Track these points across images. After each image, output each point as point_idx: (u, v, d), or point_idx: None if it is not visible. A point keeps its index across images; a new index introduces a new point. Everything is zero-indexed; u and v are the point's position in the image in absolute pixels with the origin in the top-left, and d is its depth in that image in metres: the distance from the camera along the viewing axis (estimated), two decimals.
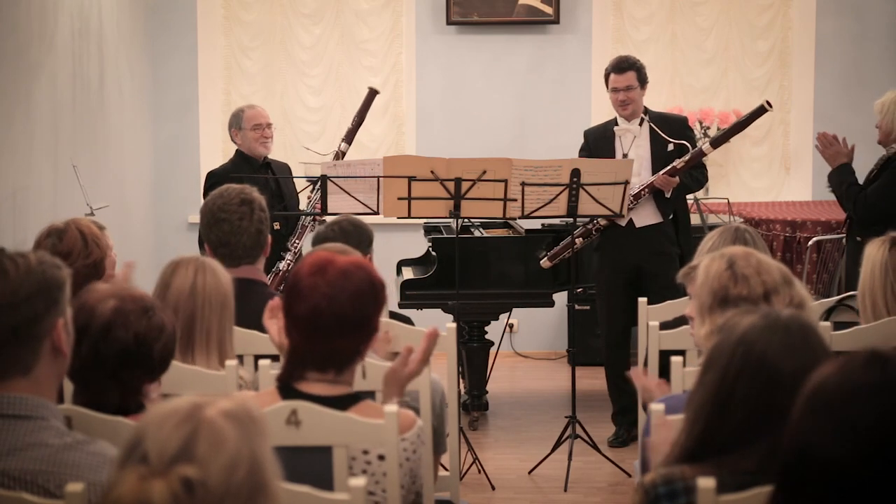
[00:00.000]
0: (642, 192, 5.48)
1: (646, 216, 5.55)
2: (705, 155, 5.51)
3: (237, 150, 5.85)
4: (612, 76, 5.62)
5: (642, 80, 5.65)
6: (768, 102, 5.37)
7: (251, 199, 3.62)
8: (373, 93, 5.91)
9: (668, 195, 5.51)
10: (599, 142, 5.68)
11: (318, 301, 2.38)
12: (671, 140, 5.53)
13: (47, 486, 1.97)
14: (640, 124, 5.62)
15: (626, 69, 5.60)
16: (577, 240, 5.53)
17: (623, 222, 5.53)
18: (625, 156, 5.55)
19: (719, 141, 5.56)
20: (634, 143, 5.59)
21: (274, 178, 5.78)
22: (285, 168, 6.04)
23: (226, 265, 3.57)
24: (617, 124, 5.66)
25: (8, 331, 2.02)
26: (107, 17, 6.56)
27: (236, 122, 5.83)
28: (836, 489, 1.55)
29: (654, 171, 5.53)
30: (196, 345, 2.98)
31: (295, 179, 5.98)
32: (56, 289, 2.06)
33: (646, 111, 5.67)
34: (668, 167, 5.46)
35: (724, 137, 5.59)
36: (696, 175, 5.59)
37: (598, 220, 5.54)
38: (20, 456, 1.99)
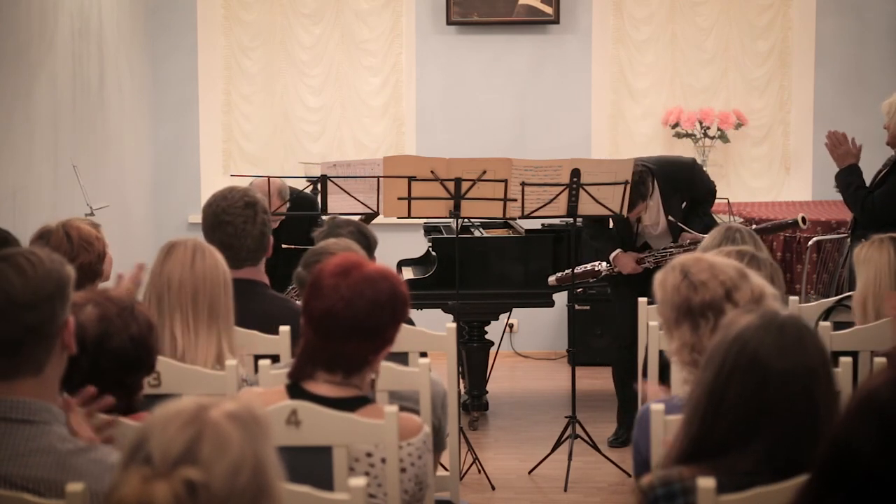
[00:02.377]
0: (662, 257, 5.31)
1: (661, 241, 5.52)
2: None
3: None
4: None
5: (644, 196, 5.35)
6: (803, 219, 5.28)
7: (255, 202, 3.63)
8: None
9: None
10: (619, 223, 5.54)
11: (335, 303, 2.37)
12: (683, 228, 5.36)
13: (48, 496, 1.96)
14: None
15: (631, 206, 5.25)
16: (591, 279, 5.52)
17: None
18: (639, 218, 5.47)
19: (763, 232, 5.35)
20: (648, 207, 5.44)
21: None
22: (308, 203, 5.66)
23: (229, 267, 3.60)
24: None
25: (28, 330, 2.02)
26: (107, 17, 6.56)
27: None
28: (868, 492, 1.56)
29: (667, 212, 5.42)
30: (200, 330, 2.97)
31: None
32: (67, 285, 2.08)
33: (651, 171, 5.41)
34: (690, 241, 5.25)
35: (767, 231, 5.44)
36: (705, 208, 5.57)
37: (613, 268, 5.46)
38: (21, 462, 1.98)
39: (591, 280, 5.57)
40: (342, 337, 2.40)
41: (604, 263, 5.53)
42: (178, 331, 2.97)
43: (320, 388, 2.43)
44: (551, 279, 5.66)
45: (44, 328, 2.03)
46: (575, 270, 5.45)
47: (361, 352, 2.43)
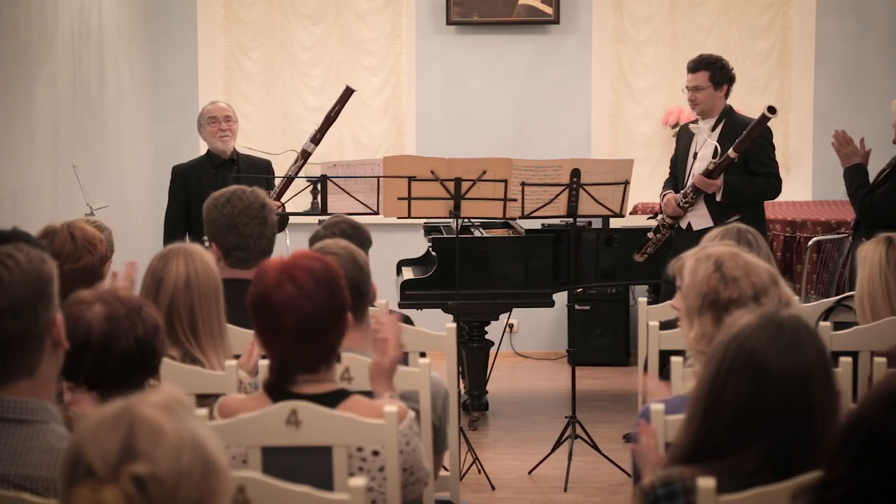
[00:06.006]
0: (688, 192, 5.44)
1: (701, 219, 5.47)
2: (732, 159, 5.32)
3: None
4: (687, 74, 5.56)
5: (717, 81, 5.49)
6: (770, 108, 5.27)
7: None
8: (349, 91, 5.71)
9: (718, 198, 5.40)
10: (683, 136, 5.68)
11: (305, 308, 2.36)
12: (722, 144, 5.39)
13: (46, 495, 1.96)
14: (717, 125, 5.50)
15: (697, 69, 5.50)
16: (650, 234, 5.64)
17: (683, 224, 5.53)
18: (695, 155, 5.51)
19: (739, 145, 5.33)
20: (706, 143, 5.48)
21: (267, 177, 5.70)
22: (262, 165, 5.85)
23: (239, 266, 3.63)
24: (699, 121, 5.58)
25: (11, 336, 2.00)
26: (107, 17, 6.56)
27: (198, 120, 5.83)
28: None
29: (722, 147, 5.42)
30: (202, 337, 2.99)
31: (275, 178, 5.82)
32: (49, 284, 2.05)
33: (728, 113, 5.52)
34: (704, 168, 5.39)
35: (743, 143, 5.40)
36: (757, 183, 5.44)
37: (667, 217, 5.57)
38: (19, 461, 1.98)
39: (672, 227, 5.61)
40: (323, 332, 2.40)
41: (660, 215, 5.67)
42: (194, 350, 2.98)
43: (301, 387, 2.43)
44: (637, 257, 5.76)
45: (28, 331, 2.02)
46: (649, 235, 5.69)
47: (340, 335, 2.44)
